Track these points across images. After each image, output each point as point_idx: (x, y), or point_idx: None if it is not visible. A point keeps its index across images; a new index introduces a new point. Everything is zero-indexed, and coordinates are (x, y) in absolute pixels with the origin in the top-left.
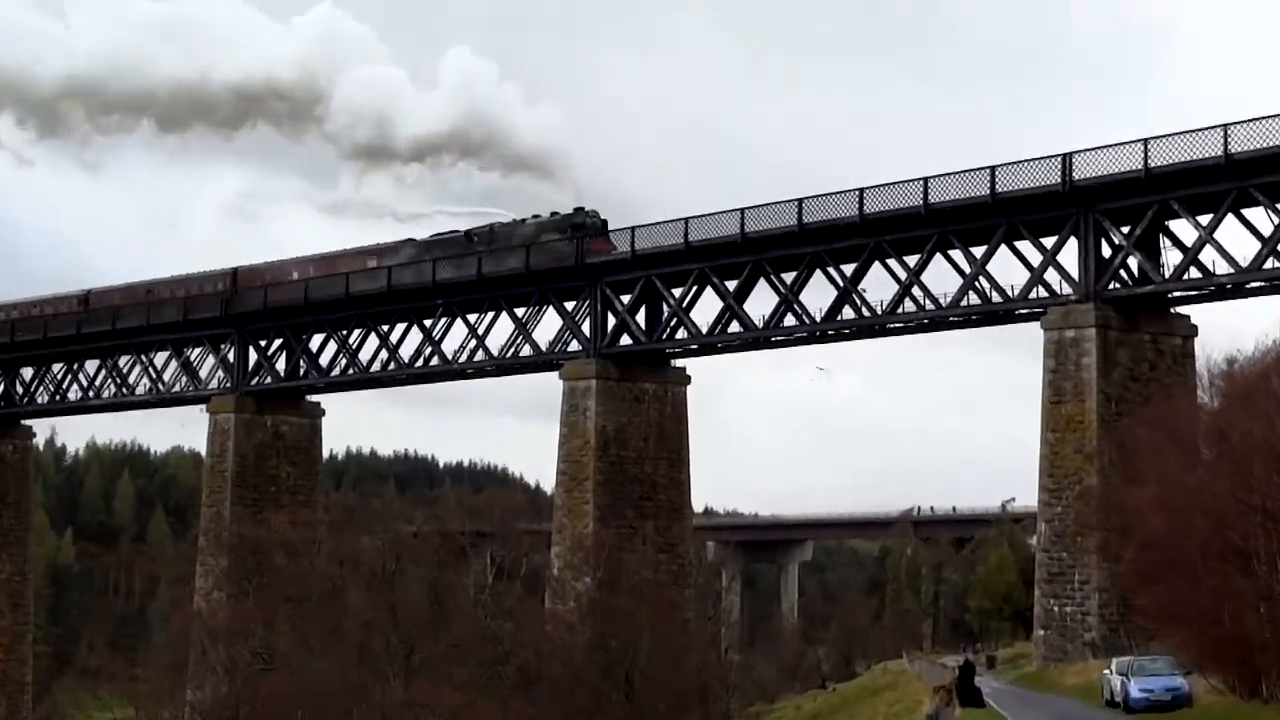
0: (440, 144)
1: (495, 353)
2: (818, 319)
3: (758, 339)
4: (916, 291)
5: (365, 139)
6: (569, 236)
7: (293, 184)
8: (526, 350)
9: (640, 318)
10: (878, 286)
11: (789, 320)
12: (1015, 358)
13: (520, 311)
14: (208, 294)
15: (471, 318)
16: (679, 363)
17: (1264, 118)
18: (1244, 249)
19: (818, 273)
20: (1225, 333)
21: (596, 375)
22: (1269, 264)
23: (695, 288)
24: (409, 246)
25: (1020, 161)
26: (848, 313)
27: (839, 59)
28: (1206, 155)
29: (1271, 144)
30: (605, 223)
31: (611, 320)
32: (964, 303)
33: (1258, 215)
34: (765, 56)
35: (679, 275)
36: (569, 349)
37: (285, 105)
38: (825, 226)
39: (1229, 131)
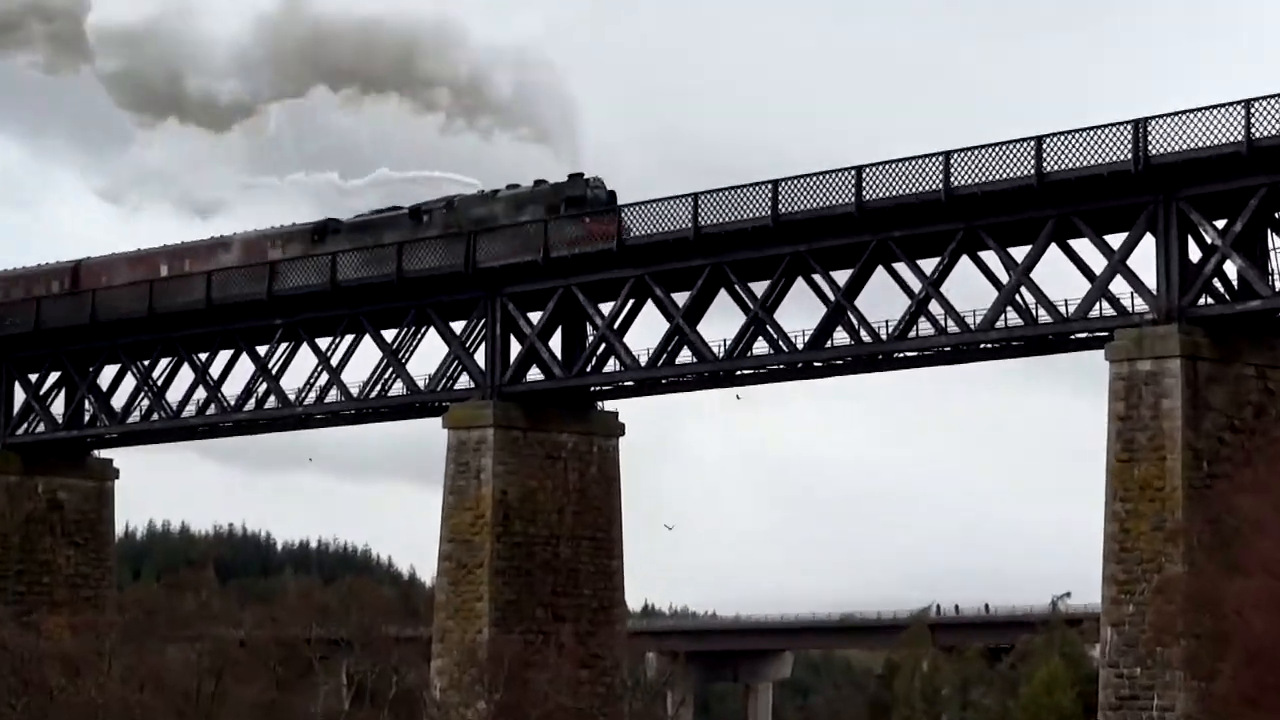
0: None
1: (355, 392)
2: (799, 345)
3: (716, 373)
4: (935, 308)
5: (154, 78)
6: (565, 215)
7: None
8: (398, 388)
9: (556, 343)
10: (882, 301)
11: (760, 346)
12: (1071, 399)
13: (390, 335)
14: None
15: (324, 343)
16: (609, 405)
17: None
18: None
19: (800, 282)
20: None
21: (495, 422)
22: None
23: (632, 302)
24: (314, 234)
25: (1076, 131)
26: (841, 336)
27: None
28: None
29: None
30: (613, 195)
31: (516, 347)
32: (1000, 323)
33: None
34: None
35: (609, 285)
36: (457, 386)
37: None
38: (810, 219)
39: None
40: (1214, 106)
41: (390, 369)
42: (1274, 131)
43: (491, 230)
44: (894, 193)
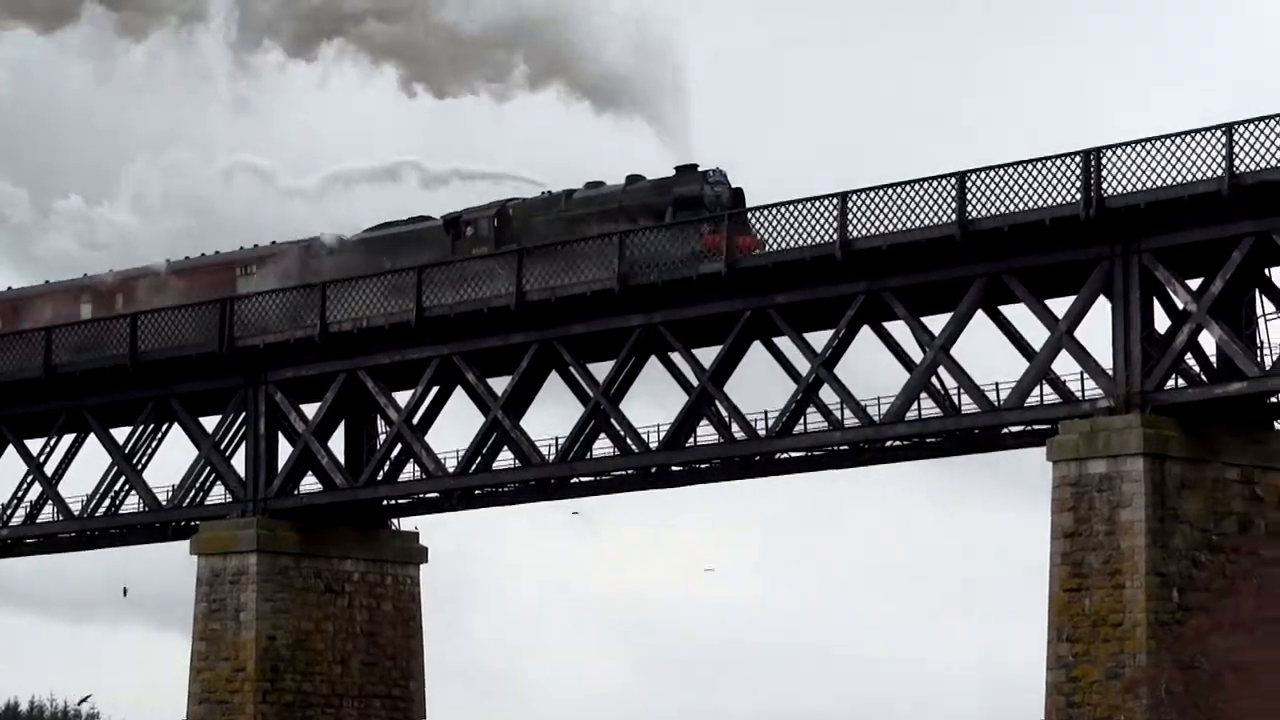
0: None
1: (76, 510)
2: (652, 444)
3: (545, 480)
4: (828, 395)
5: None
6: (675, 222)
7: None
8: (132, 503)
9: (338, 444)
10: (760, 387)
11: (602, 446)
12: (1004, 511)
13: (120, 433)
14: None
15: (35, 445)
16: (408, 523)
17: None
18: None
19: (653, 362)
20: None
21: (258, 547)
22: None
23: (436, 390)
24: (311, 250)
25: (1009, 165)
26: (706, 433)
27: None
28: None
29: None
30: (739, 194)
31: (286, 449)
32: (912, 414)
33: None
34: None
35: (406, 368)
36: (209, 501)
37: None
38: (666, 284)
39: None
40: (1186, 133)
41: (122, 478)
42: (1262, 165)
43: (560, 247)
44: (775, 246)
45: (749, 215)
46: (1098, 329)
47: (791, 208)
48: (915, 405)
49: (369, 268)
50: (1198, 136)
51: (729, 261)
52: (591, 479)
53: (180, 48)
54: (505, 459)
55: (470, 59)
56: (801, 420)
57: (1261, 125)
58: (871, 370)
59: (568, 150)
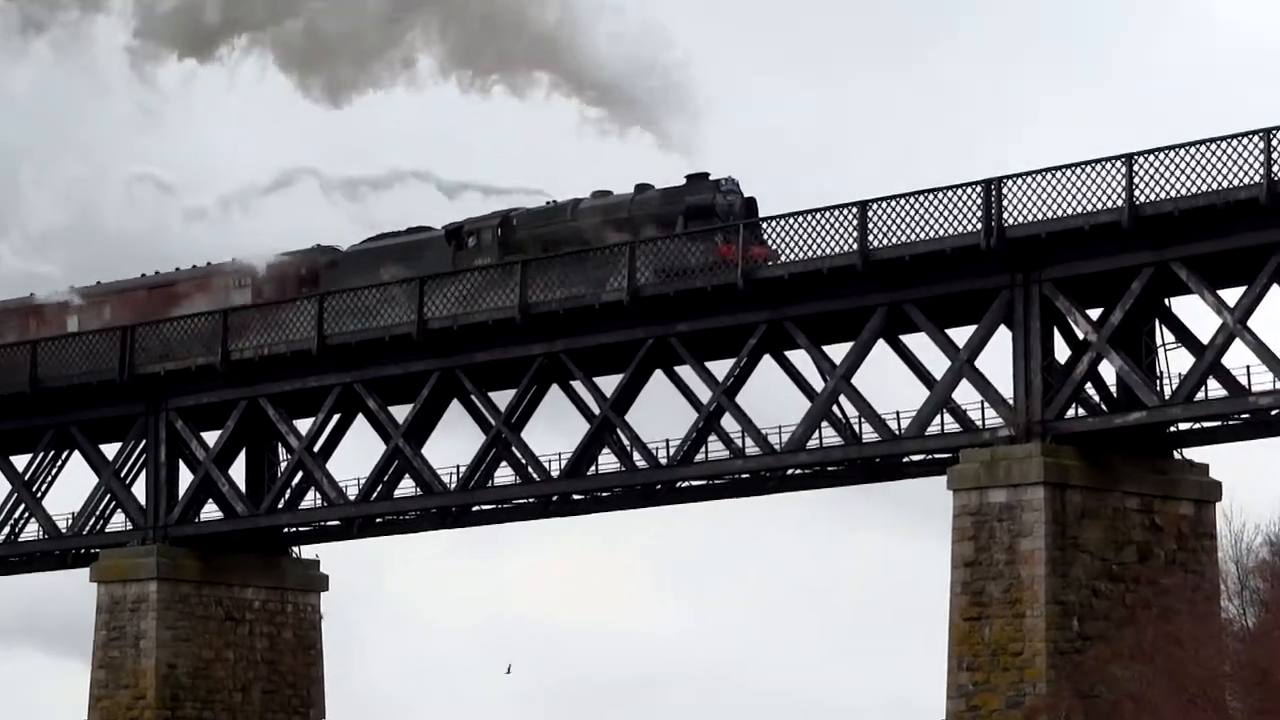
0: None
1: None
2: (554, 472)
3: (447, 509)
4: (730, 423)
5: None
6: (685, 232)
7: None
8: (33, 530)
9: (239, 472)
10: (661, 416)
11: (504, 473)
12: (904, 539)
13: (20, 460)
14: None
15: None
16: (309, 550)
17: None
18: None
19: (555, 391)
20: (1269, 493)
21: (159, 575)
22: None
23: (338, 418)
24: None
25: (908, 195)
26: (608, 461)
27: None
28: (1237, 184)
29: None
30: (752, 204)
31: (187, 477)
32: (813, 443)
33: None
34: None
35: (308, 396)
36: (109, 528)
37: None
38: (570, 311)
39: (1275, 139)
40: (1086, 164)
41: (22, 506)
42: (1162, 195)
43: (565, 258)
44: (681, 284)
45: (640, 245)
46: (998, 358)
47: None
48: (816, 434)
49: (366, 279)
50: (1098, 167)
51: (630, 291)
52: (493, 507)
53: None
54: (407, 487)
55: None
56: (703, 449)
57: (1161, 156)
58: (773, 399)
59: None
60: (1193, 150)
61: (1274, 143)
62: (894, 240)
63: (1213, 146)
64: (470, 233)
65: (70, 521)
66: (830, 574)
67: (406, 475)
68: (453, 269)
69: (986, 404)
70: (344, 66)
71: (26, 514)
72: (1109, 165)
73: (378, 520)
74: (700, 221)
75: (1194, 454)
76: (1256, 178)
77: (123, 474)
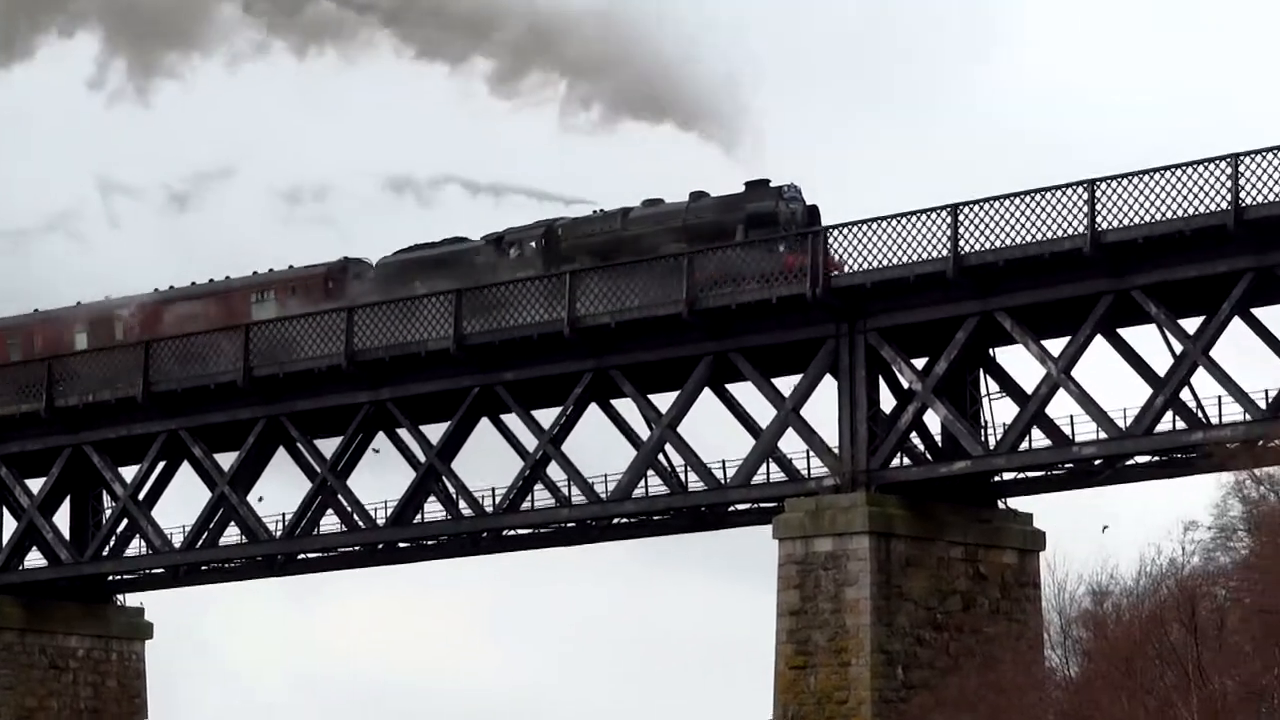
0: None
1: None
2: (380, 520)
3: (272, 557)
4: (555, 471)
5: None
6: (746, 241)
7: None
8: None
9: (64, 519)
10: (487, 463)
11: (330, 521)
12: (730, 588)
13: None
14: None
15: None
16: (133, 598)
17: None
18: (1130, 395)
19: (380, 438)
20: (1092, 543)
21: None
22: (1166, 424)
23: (164, 465)
24: (327, 279)
25: (735, 246)
26: (434, 509)
27: None
28: (1061, 235)
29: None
30: (814, 211)
31: (11, 524)
32: (639, 491)
33: (1142, 336)
34: None
35: (133, 443)
36: None
37: None
38: (393, 359)
39: (1099, 190)
40: (912, 213)
41: None
42: (986, 245)
43: (614, 269)
44: (500, 323)
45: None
46: (824, 407)
47: (532, 283)
48: (642, 482)
49: (400, 292)
50: (924, 217)
51: (456, 339)
52: (318, 555)
53: None
54: (232, 534)
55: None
56: (529, 497)
57: (986, 206)
58: (599, 447)
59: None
60: (1017, 200)
61: (1098, 194)
62: (723, 288)
63: (1037, 197)
64: (512, 243)
65: None
66: (656, 623)
67: (232, 523)
68: (494, 281)
69: (812, 453)
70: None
71: None
72: (934, 215)
73: (203, 568)
74: (761, 230)
75: (1018, 503)
76: (1080, 228)
77: None
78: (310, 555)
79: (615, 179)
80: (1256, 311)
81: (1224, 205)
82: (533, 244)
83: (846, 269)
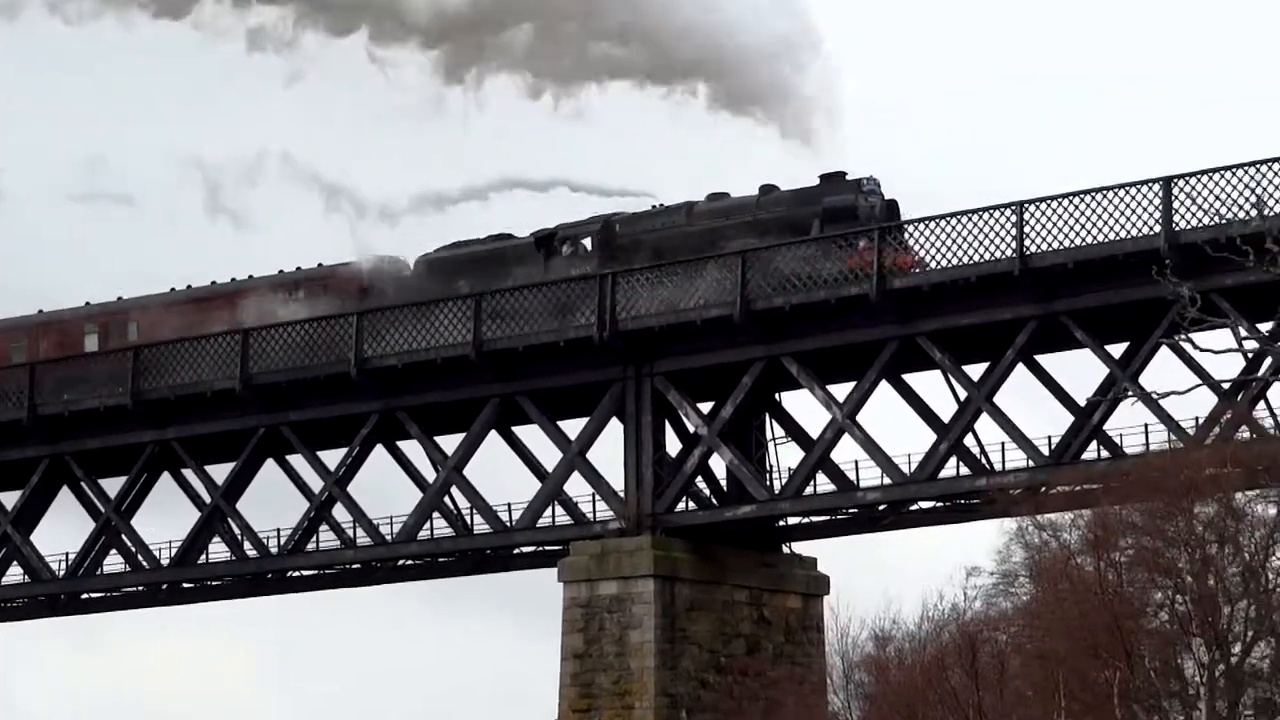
0: None
1: None
2: (164, 560)
3: (56, 596)
4: (341, 513)
5: None
6: (822, 236)
7: None
8: None
9: None
10: (274, 503)
11: (114, 561)
12: (516, 631)
13: None
14: None
15: None
16: None
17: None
18: (915, 440)
19: (166, 478)
20: (877, 587)
21: None
22: (950, 469)
23: None
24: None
25: (519, 288)
26: (219, 550)
27: None
28: (847, 281)
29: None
30: (894, 206)
31: None
32: (425, 533)
33: (927, 382)
34: None
35: None
36: None
37: None
38: (184, 396)
39: (888, 239)
40: (699, 259)
41: None
42: (773, 290)
43: (666, 269)
44: (283, 364)
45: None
46: (611, 451)
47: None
48: (428, 524)
49: (441, 291)
50: (711, 264)
51: (243, 379)
52: (102, 595)
53: None
54: (14, 575)
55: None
56: (314, 538)
57: (772, 253)
58: (385, 489)
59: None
60: (804, 247)
61: (886, 240)
62: (508, 332)
63: (824, 244)
64: (565, 239)
65: None
66: (441, 666)
67: (15, 562)
68: (544, 280)
69: (598, 496)
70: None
71: None
72: (723, 262)
73: None
74: (838, 225)
75: (802, 548)
76: (869, 274)
77: None
78: (93, 595)
79: (658, 172)
80: (1040, 358)
81: (1009, 253)
82: (587, 241)
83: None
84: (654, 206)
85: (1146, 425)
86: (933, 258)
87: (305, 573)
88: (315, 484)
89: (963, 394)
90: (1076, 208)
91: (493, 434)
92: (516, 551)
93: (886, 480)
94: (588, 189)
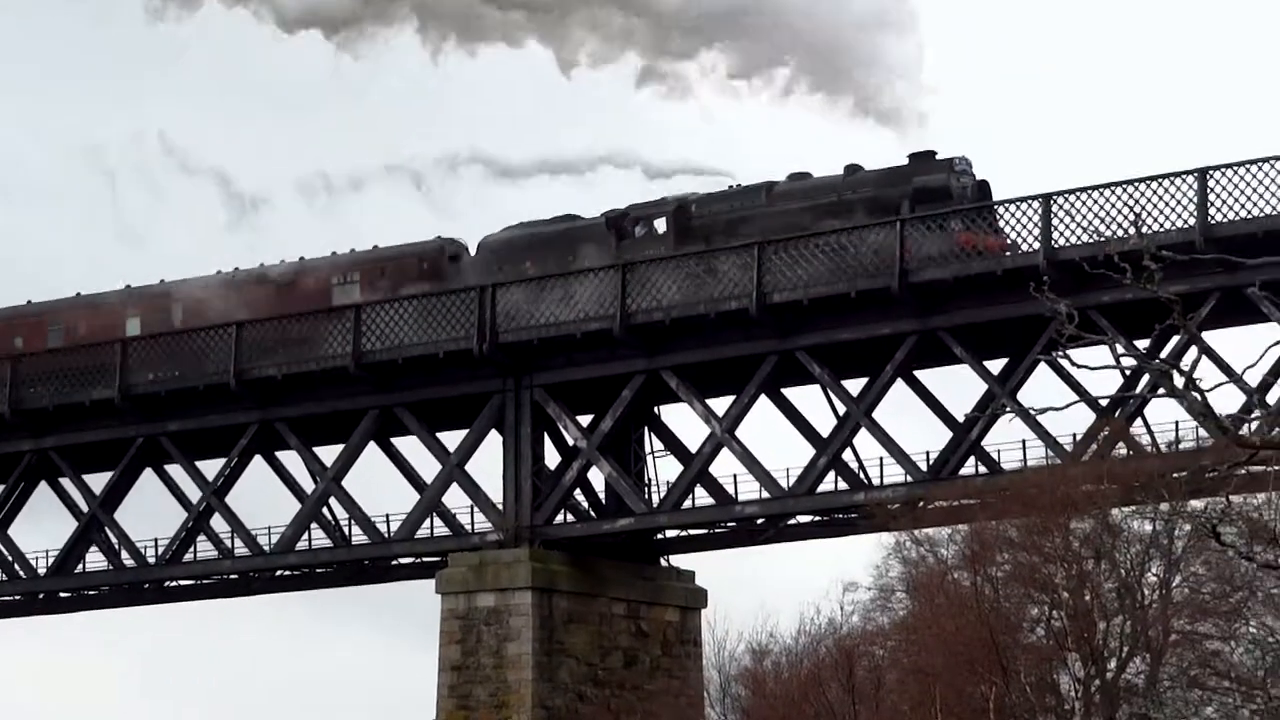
0: None
1: None
2: (41, 570)
3: None
4: (219, 523)
5: None
6: (915, 215)
7: None
8: None
9: None
10: (152, 513)
11: None
12: (395, 643)
13: None
14: None
15: None
16: None
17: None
18: (794, 455)
19: (43, 487)
20: (754, 600)
21: None
22: (828, 484)
23: None
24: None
25: (400, 299)
26: (96, 559)
27: None
28: (726, 295)
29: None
30: (985, 187)
31: None
32: (303, 544)
33: (806, 396)
34: None
35: None
36: None
37: None
38: (62, 407)
39: (769, 253)
40: (581, 272)
41: None
42: (649, 304)
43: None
44: (161, 376)
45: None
46: (490, 463)
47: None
48: (306, 535)
49: (506, 274)
50: (592, 276)
51: (121, 387)
52: None
53: None
54: None
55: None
56: (192, 548)
57: (650, 267)
58: (263, 499)
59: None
60: (687, 261)
61: (765, 256)
62: (387, 343)
63: (706, 258)
64: (637, 220)
65: None
66: (320, 677)
67: None
68: (616, 262)
69: (476, 508)
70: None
71: None
72: (603, 275)
73: None
74: (929, 205)
75: (680, 561)
76: (749, 288)
77: None
78: None
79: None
80: (919, 374)
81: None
82: (661, 222)
83: None
84: (730, 187)
85: (1024, 441)
86: (811, 275)
87: (183, 582)
88: (194, 494)
89: (842, 409)
90: (958, 224)
91: (372, 445)
92: (395, 563)
93: (765, 494)
94: (658, 169)
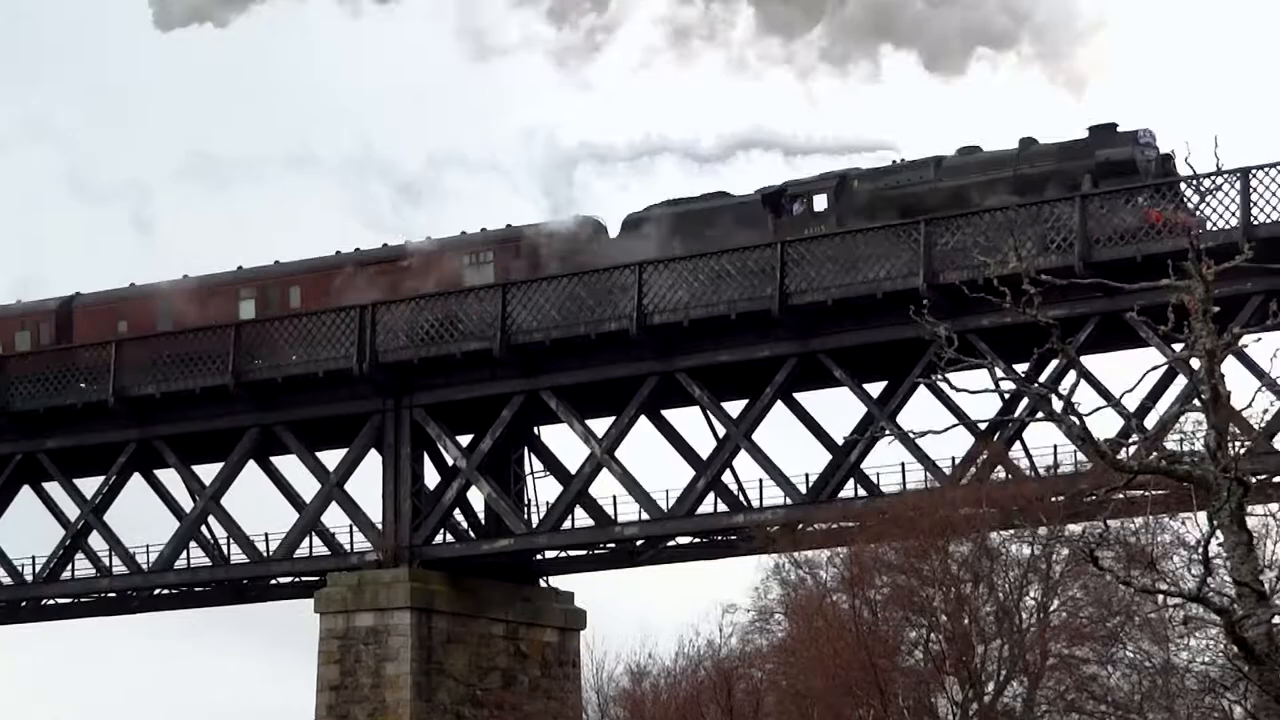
0: None
1: None
2: None
3: None
4: (97, 541)
5: None
6: (1099, 191)
7: None
8: None
9: None
10: (34, 532)
11: None
12: (273, 663)
13: None
14: None
15: None
16: None
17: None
18: (673, 476)
19: None
20: (634, 622)
21: None
22: (708, 505)
23: None
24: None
25: (290, 316)
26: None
27: None
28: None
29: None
30: (1169, 160)
31: None
32: (181, 562)
33: (686, 418)
34: None
35: None
36: None
37: None
38: None
39: (646, 272)
40: (467, 291)
41: None
42: (534, 324)
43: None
44: (54, 399)
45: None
46: (369, 482)
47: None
48: (185, 554)
49: (656, 251)
50: (472, 296)
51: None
52: None
53: None
54: None
55: None
56: (70, 566)
57: (532, 287)
58: (142, 518)
59: None
60: (568, 281)
61: (645, 277)
62: (268, 360)
63: (587, 278)
64: (796, 196)
65: None
66: (199, 697)
67: None
68: (774, 240)
69: (356, 528)
70: None
71: None
72: (483, 294)
73: None
74: (1114, 180)
75: (559, 582)
76: (628, 309)
77: None
78: None
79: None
80: (799, 396)
81: (768, 291)
82: (821, 198)
83: None
84: (894, 162)
85: (903, 464)
86: (693, 296)
87: (60, 601)
88: (71, 512)
89: (721, 430)
90: (835, 247)
91: (251, 464)
92: (274, 582)
93: (644, 515)
94: (822, 147)
